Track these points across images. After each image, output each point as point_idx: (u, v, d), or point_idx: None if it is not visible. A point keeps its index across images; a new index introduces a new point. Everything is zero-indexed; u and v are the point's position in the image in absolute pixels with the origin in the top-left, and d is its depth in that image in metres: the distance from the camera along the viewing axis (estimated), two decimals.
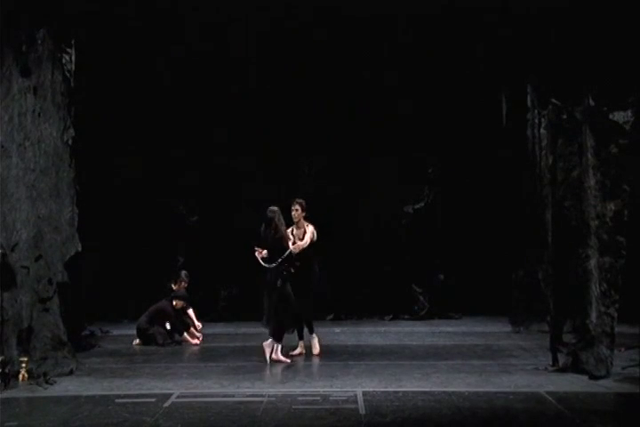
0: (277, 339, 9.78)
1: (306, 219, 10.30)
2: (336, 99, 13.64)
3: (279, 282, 9.80)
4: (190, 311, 12.28)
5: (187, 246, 14.06)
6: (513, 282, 11.86)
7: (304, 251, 10.06)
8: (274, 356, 9.75)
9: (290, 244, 9.98)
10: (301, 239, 10.16)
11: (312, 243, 10.16)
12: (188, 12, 12.24)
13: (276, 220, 9.83)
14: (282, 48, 13.32)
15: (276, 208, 9.92)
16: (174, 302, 11.67)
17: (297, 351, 10.26)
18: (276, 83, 13.60)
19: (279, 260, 9.77)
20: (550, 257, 9.82)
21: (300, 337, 10.31)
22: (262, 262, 9.90)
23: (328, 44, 13.20)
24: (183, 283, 12.17)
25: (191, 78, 13.51)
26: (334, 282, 13.64)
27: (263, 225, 9.93)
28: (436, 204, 14.16)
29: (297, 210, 10.16)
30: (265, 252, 9.90)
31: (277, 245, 9.84)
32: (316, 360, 9.99)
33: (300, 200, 10.24)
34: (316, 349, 10.29)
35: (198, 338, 11.65)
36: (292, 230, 10.25)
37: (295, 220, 10.20)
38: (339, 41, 13.13)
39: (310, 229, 10.22)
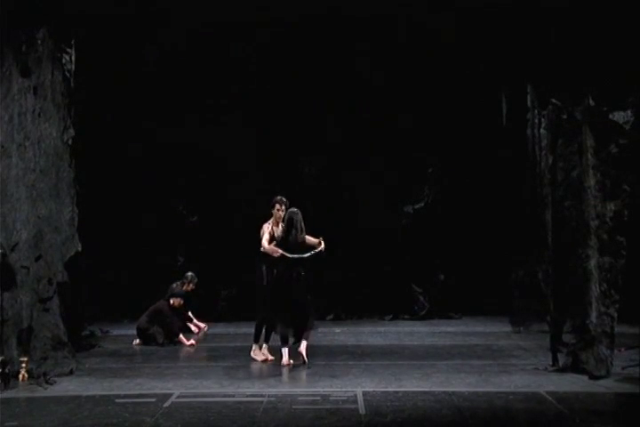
0: (307, 337, 9.70)
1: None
2: (336, 99, 13.64)
3: (298, 280, 9.71)
4: (189, 314, 12.37)
5: (187, 246, 14.07)
6: (513, 282, 11.85)
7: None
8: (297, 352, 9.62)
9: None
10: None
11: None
12: (189, 11, 12.23)
13: (301, 222, 9.81)
14: (282, 48, 13.33)
15: (297, 210, 9.90)
16: (171, 301, 11.67)
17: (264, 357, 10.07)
18: (276, 83, 13.61)
19: (311, 253, 9.72)
20: (550, 257, 9.81)
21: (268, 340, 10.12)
22: (288, 254, 9.67)
23: (327, 44, 13.20)
24: (191, 285, 12.25)
25: (191, 78, 13.51)
26: (334, 282, 13.65)
27: (284, 226, 9.83)
28: (436, 204, 14.16)
29: (284, 210, 10.07)
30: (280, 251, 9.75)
31: (302, 246, 9.76)
32: (316, 360, 9.97)
33: (285, 200, 10.19)
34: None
35: (198, 334, 11.63)
36: (271, 228, 10.08)
37: (279, 219, 10.12)
38: (338, 41, 13.14)
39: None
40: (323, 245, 9.82)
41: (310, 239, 9.93)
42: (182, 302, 11.84)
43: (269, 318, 10.01)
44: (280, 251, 9.71)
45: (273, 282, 9.93)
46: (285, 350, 9.61)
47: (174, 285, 12.12)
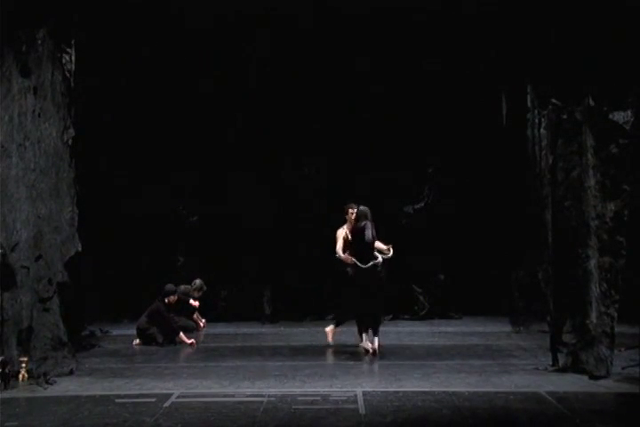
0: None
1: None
2: (336, 99, 13.63)
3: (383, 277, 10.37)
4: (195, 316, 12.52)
5: (187, 246, 14.07)
6: (513, 282, 11.86)
7: None
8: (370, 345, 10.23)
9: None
10: None
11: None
12: (189, 11, 12.24)
13: (367, 217, 10.41)
14: (282, 48, 13.32)
15: (366, 208, 10.48)
16: (167, 300, 11.66)
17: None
18: (276, 83, 13.59)
19: (378, 261, 10.30)
20: (550, 257, 9.82)
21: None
22: (359, 263, 10.27)
23: (327, 43, 13.20)
24: (200, 292, 12.47)
25: (191, 78, 13.50)
26: (335, 282, 13.65)
27: (359, 225, 10.32)
28: (436, 204, 14.15)
29: (354, 213, 10.62)
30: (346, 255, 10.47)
31: (373, 243, 10.34)
32: (316, 360, 9.98)
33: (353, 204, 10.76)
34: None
35: (200, 331, 11.85)
36: (345, 233, 10.71)
37: (353, 221, 10.65)
38: (338, 40, 13.13)
39: None
40: (391, 252, 10.43)
41: (380, 245, 10.52)
42: (176, 297, 11.84)
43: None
44: (353, 259, 10.34)
45: (349, 282, 10.46)
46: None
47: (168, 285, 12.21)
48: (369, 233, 10.30)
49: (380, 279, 10.39)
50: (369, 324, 10.39)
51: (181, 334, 11.38)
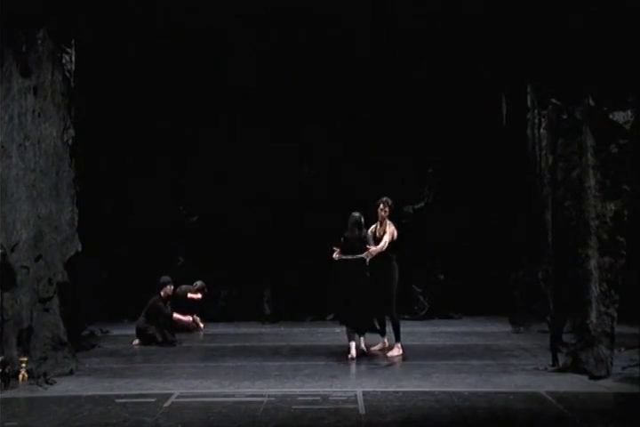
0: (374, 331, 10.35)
1: (389, 218, 10.61)
2: (337, 99, 13.63)
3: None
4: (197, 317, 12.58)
5: (187, 246, 14.07)
6: (513, 282, 11.86)
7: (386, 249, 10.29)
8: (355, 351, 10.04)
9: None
10: (381, 238, 10.39)
11: (392, 241, 10.40)
12: (189, 10, 12.25)
13: (354, 224, 10.25)
14: (283, 48, 13.33)
15: (357, 213, 10.34)
16: (162, 293, 11.64)
17: (379, 346, 10.51)
18: (276, 82, 13.59)
19: (356, 256, 10.11)
20: (550, 257, 9.82)
21: (382, 333, 10.49)
22: (343, 256, 10.16)
23: (328, 44, 13.20)
24: (200, 294, 12.46)
25: (191, 78, 13.50)
26: (335, 282, 13.64)
27: (352, 227, 10.23)
28: (436, 204, 14.15)
29: (386, 211, 10.47)
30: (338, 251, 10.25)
31: (359, 244, 10.20)
32: (316, 360, 9.98)
33: (389, 200, 10.53)
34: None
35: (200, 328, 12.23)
36: (375, 228, 10.50)
37: (381, 219, 10.49)
38: (339, 41, 13.14)
39: (391, 229, 10.47)
40: (362, 255, 10.10)
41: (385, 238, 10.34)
42: (172, 288, 11.82)
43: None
44: (338, 254, 10.18)
45: (339, 281, 10.28)
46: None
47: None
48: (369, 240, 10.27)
49: (366, 277, 10.18)
50: (353, 326, 10.15)
51: (175, 314, 11.35)
